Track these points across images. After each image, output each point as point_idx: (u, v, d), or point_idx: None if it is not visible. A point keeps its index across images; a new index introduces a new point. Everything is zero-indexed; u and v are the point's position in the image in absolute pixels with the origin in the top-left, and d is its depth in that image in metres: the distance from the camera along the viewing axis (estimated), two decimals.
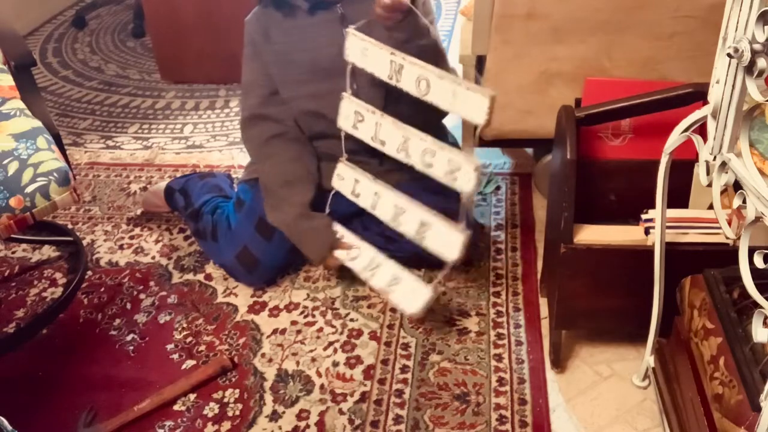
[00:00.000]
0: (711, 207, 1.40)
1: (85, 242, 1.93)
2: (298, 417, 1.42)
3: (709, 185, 1.01)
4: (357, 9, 1.57)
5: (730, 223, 1.26)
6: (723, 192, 1.16)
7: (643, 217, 1.38)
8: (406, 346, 1.56)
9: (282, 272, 1.77)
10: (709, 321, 1.15)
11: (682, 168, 1.36)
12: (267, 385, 1.49)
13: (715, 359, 1.11)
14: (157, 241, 1.92)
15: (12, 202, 1.40)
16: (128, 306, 1.71)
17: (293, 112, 1.70)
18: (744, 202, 0.91)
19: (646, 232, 1.36)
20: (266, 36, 1.64)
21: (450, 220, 1.47)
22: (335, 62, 1.59)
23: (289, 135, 1.70)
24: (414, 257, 1.72)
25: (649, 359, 1.39)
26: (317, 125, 1.70)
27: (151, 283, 1.78)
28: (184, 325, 1.64)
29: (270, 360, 1.54)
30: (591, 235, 1.39)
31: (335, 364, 1.53)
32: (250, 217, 1.71)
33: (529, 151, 2.16)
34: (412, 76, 1.42)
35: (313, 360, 1.54)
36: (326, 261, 1.66)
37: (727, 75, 0.92)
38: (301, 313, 1.66)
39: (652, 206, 1.26)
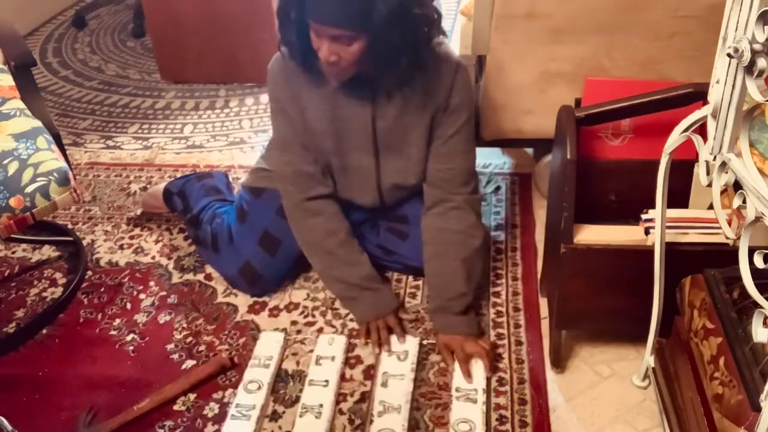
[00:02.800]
0: (711, 207, 1.40)
1: (85, 242, 1.93)
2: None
3: (709, 185, 1.01)
4: (387, 84, 1.47)
5: (730, 223, 1.26)
6: (723, 192, 1.16)
7: (643, 217, 1.38)
8: None
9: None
10: (709, 321, 1.15)
11: (682, 168, 1.36)
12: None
13: (715, 359, 1.11)
14: (157, 241, 1.92)
15: (12, 202, 1.40)
16: (128, 306, 1.71)
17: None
18: (744, 202, 0.91)
19: (646, 232, 1.36)
20: (295, 98, 1.52)
21: None
22: (362, 139, 1.54)
23: (332, 197, 1.62)
24: (411, 269, 1.72)
25: (649, 359, 1.39)
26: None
27: (151, 283, 1.78)
28: (184, 325, 1.64)
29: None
30: (591, 235, 1.39)
31: None
32: (254, 231, 1.67)
33: (529, 151, 2.16)
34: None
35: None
36: (370, 325, 1.57)
37: (727, 75, 0.92)
38: (301, 313, 1.66)
39: (652, 206, 1.26)
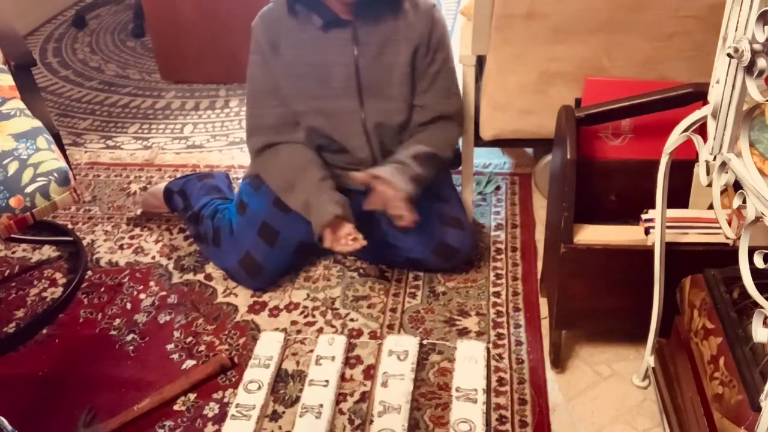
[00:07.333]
0: (711, 207, 1.40)
1: (85, 242, 1.93)
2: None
3: (709, 185, 1.01)
4: (371, 29, 1.56)
5: (730, 223, 1.26)
6: (723, 192, 1.16)
7: (643, 217, 1.38)
8: None
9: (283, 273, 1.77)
10: (709, 321, 1.15)
11: (682, 168, 1.36)
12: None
13: (715, 359, 1.11)
14: (157, 241, 1.92)
15: (12, 202, 1.40)
16: (128, 306, 1.71)
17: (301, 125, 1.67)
18: (744, 202, 0.91)
19: (646, 232, 1.36)
20: (275, 46, 1.59)
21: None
22: (345, 82, 1.58)
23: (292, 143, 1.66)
24: (413, 262, 1.72)
25: (649, 359, 1.39)
26: (320, 140, 1.67)
27: (151, 283, 1.78)
28: (184, 325, 1.64)
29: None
30: (591, 235, 1.39)
31: None
32: (253, 222, 1.69)
33: (529, 151, 2.16)
34: None
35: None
36: (328, 231, 1.54)
37: (727, 75, 0.92)
38: (301, 313, 1.66)
39: (652, 206, 1.26)
